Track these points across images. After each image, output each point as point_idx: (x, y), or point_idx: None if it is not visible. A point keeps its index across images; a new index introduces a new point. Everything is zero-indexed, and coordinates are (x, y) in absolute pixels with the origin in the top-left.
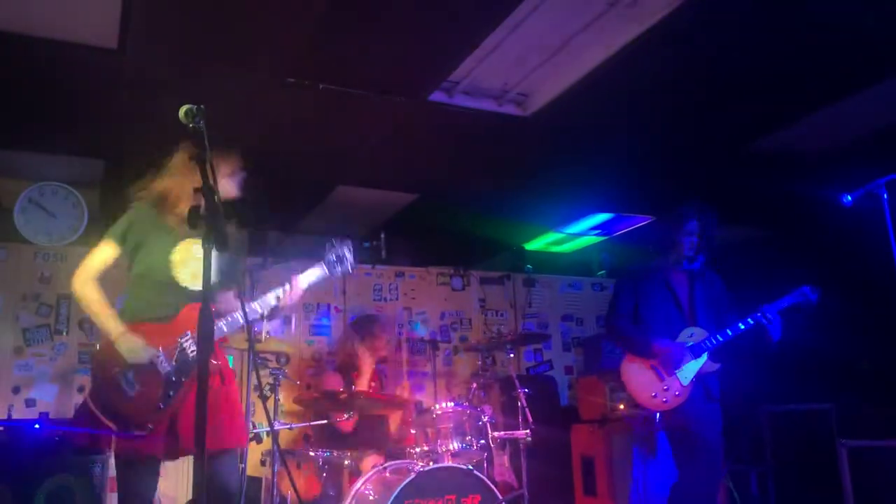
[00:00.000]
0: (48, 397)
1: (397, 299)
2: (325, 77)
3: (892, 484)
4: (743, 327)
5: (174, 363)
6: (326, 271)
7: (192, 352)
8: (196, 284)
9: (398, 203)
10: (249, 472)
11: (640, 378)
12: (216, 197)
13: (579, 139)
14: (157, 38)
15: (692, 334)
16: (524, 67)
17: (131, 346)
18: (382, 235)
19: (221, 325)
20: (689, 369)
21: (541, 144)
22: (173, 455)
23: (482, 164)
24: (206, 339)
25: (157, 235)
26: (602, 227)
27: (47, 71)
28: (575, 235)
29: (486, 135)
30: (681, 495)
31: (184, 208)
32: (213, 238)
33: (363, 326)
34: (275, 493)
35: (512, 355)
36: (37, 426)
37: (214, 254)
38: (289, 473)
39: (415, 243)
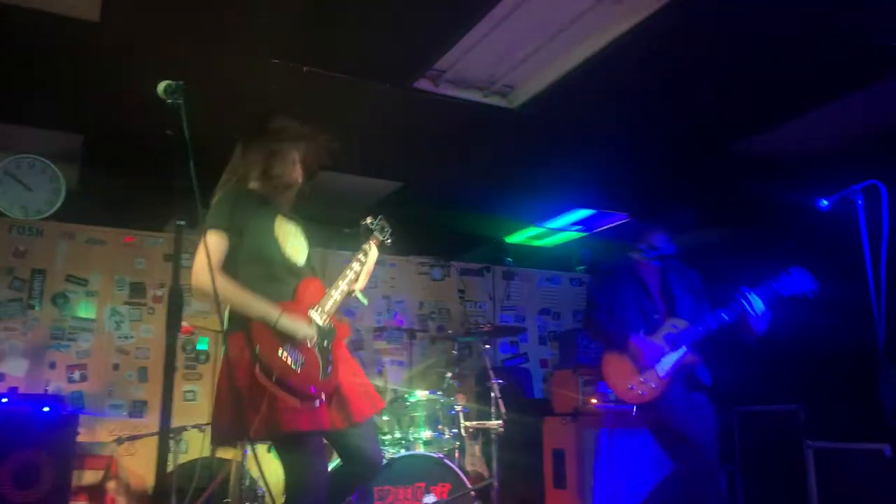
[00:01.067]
0: (18, 372)
1: (376, 287)
2: (311, 60)
3: (856, 485)
4: (727, 318)
5: (316, 335)
6: (381, 237)
7: (325, 321)
8: (300, 260)
9: (381, 191)
10: (218, 453)
11: (618, 370)
12: (195, 176)
13: (563, 134)
14: (140, 12)
15: (674, 325)
16: (511, 60)
17: (295, 324)
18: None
19: (334, 293)
20: (667, 361)
21: (525, 137)
22: (339, 424)
23: (466, 155)
24: (175, 313)
25: (257, 215)
26: (583, 223)
27: (28, 42)
28: (556, 230)
29: (471, 126)
30: (669, 490)
31: (291, 179)
32: (188, 215)
33: None
34: (244, 474)
35: (488, 346)
36: (4, 400)
37: (303, 237)
38: (255, 456)
39: (396, 232)
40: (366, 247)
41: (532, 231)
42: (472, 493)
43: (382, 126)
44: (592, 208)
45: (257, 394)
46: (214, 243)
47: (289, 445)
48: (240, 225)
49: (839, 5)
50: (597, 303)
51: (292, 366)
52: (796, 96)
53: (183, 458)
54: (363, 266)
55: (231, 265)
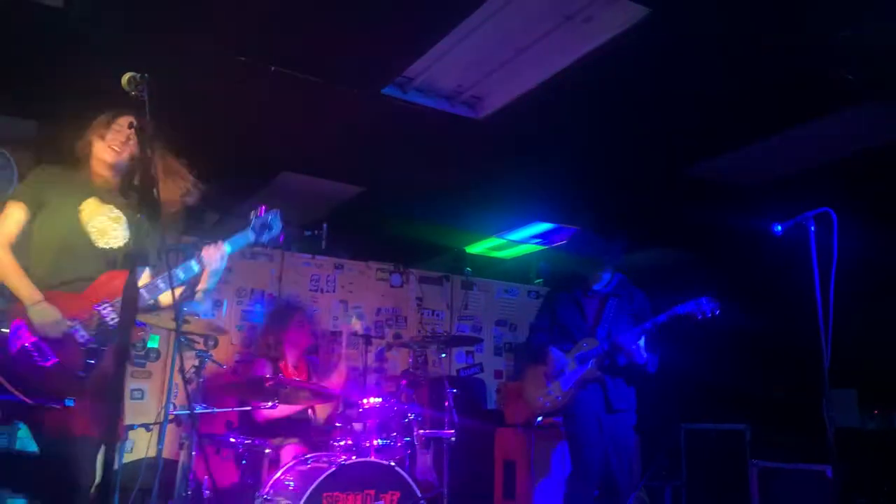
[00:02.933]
0: None
1: (334, 291)
2: (279, 60)
3: None
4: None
5: (93, 333)
6: (252, 237)
7: (113, 320)
8: (107, 243)
9: (343, 194)
10: (165, 454)
11: (531, 382)
12: (152, 168)
13: (527, 147)
14: (106, 0)
15: (585, 343)
16: (479, 71)
17: (46, 316)
18: (325, 226)
19: (142, 292)
20: (570, 376)
21: (490, 148)
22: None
23: (430, 163)
24: (129, 305)
25: (62, 195)
26: (542, 237)
27: None
28: (515, 242)
29: (437, 134)
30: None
31: (106, 170)
32: (145, 209)
33: (284, 316)
34: (191, 477)
35: (444, 355)
36: None
37: (135, 224)
38: (205, 458)
39: (357, 236)
40: (223, 243)
41: (492, 242)
42: (422, 501)
43: (348, 130)
44: (552, 222)
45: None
46: (11, 216)
47: (43, 444)
48: (44, 201)
49: (797, 40)
50: (538, 323)
51: (37, 360)
52: (754, 123)
53: (128, 458)
54: (204, 265)
55: (33, 242)
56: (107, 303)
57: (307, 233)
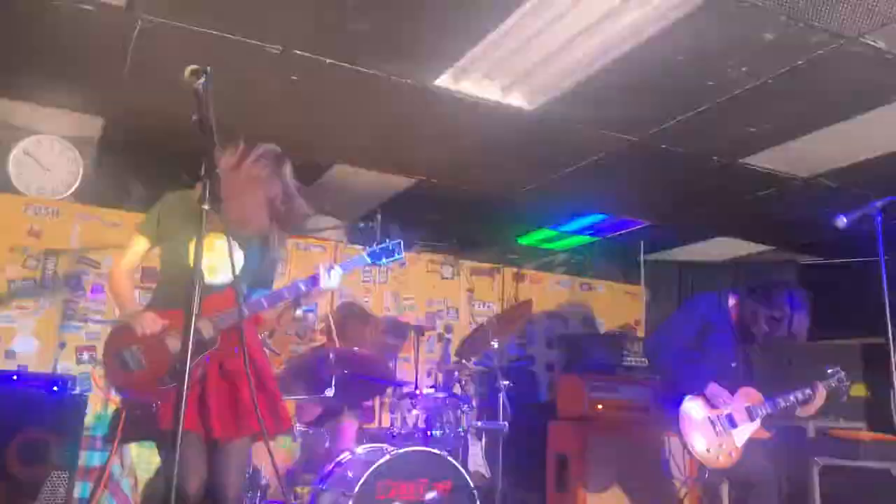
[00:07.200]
0: (28, 350)
1: (386, 283)
2: (333, 53)
3: None
4: (793, 400)
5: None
6: (369, 260)
7: (208, 332)
8: (214, 279)
9: (395, 186)
10: None
11: (697, 427)
12: (215, 159)
13: (581, 137)
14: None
15: (748, 394)
16: (533, 60)
17: (142, 319)
18: (378, 218)
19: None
20: (744, 431)
21: (542, 138)
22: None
23: (482, 154)
24: (189, 329)
25: (177, 229)
26: (595, 228)
27: (54, 24)
28: (568, 234)
29: (489, 124)
30: None
31: (254, 224)
32: (207, 197)
33: (350, 309)
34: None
35: (496, 345)
36: (14, 378)
37: (234, 258)
38: (267, 444)
39: (408, 228)
40: (336, 265)
41: (544, 234)
42: (475, 491)
43: (400, 122)
44: (606, 213)
45: None
46: (134, 246)
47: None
48: (164, 234)
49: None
50: (674, 338)
51: (129, 366)
52: (810, 114)
53: None
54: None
55: (160, 269)
56: (205, 318)
57: (361, 225)
